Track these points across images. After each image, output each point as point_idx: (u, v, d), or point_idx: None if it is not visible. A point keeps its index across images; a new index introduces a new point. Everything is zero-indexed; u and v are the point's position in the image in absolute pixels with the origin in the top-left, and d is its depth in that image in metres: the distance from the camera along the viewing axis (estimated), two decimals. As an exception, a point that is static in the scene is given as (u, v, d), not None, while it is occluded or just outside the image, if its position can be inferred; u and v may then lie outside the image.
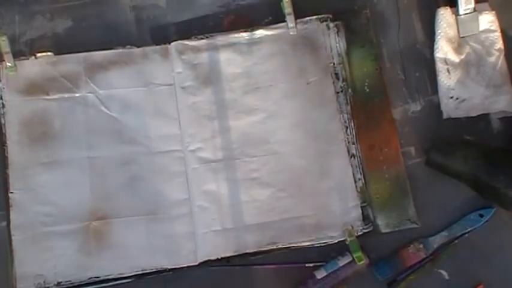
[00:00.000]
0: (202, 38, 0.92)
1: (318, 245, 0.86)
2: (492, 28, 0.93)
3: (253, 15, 0.95)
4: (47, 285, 0.84)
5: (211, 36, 0.92)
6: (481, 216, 0.88)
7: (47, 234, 0.85)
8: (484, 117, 0.92)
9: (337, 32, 0.93)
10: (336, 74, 0.92)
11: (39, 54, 0.90)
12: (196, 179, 0.88)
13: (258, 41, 0.93)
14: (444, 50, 0.92)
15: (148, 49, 0.92)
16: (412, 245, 0.87)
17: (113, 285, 0.85)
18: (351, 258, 0.84)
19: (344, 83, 0.92)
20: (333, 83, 0.92)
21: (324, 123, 0.91)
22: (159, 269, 0.85)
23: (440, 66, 0.92)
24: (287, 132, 0.90)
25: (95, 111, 0.90)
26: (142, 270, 0.85)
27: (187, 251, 0.86)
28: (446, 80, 0.91)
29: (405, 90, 0.93)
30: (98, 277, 0.85)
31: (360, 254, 0.84)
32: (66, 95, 0.90)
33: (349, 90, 0.92)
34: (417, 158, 0.91)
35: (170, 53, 0.92)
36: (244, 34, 0.93)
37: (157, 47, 0.92)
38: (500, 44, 0.92)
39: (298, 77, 0.92)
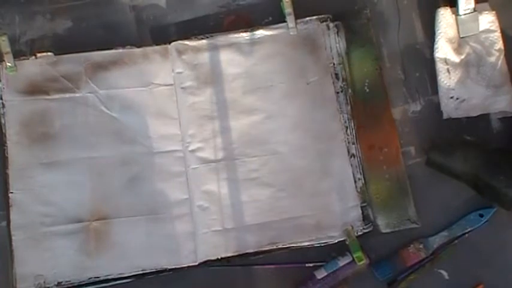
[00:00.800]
0: (202, 38, 0.92)
1: (318, 245, 0.86)
2: (492, 28, 0.93)
3: (253, 15, 0.95)
4: (47, 285, 0.84)
5: (212, 36, 0.93)
6: (481, 216, 0.88)
7: (47, 234, 0.85)
8: (484, 117, 0.92)
9: (337, 32, 0.93)
10: (336, 74, 0.92)
11: (39, 55, 0.90)
12: (196, 179, 0.88)
13: (258, 41, 0.93)
14: (444, 50, 0.92)
15: (149, 49, 0.92)
16: (412, 245, 0.87)
17: (113, 285, 0.85)
18: (351, 258, 0.84)
19: (344, 83, 0.92)
20: (333, 83, 0.92)
21: (324, 123, 0.91)
22: (159, 269, 0.85)
23: (440, 66, 0.92)
24: (287, 132, 0.90)
25: (95, 111, 0.90)
26: (142, 270, 0.85)
27: (187, 251, 0.86)
28: (447, 80, 0.91)
29: (405, 90, 0.93)
30: (98, 277, 0.85)
31: (360, 254, 0.84)
32: (67, 95, 0.90)
33: (349, 90, 0.92)
34: (417, 158, 0.91)
35: (170, 53, 0.92)
36: (244, 34, 0.93)
37: (158, 47, 0.92)
38: (500, 44, 0.92)
39: (298, 77, 0.92)
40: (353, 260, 0.84)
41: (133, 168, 0.88)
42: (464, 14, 0.91)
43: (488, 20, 0.92)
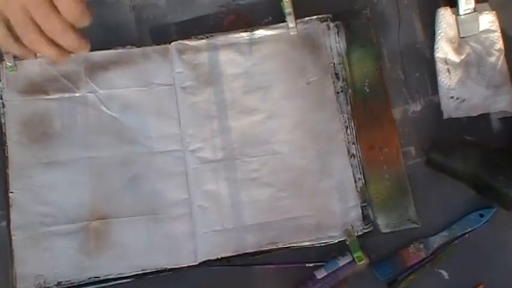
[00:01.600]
0: (202, 38, 0.92)
1: (318, 245, 0.86)
2: (492, 28, 0.93)
3: (253, 15, 0.95)
4: (47, 285, 0.84)
5: (212, 36, 0.92)
6: (481, 216, 0.88)
7: (47, 234, 0.85)
8: (484, 117, 0.92)
9: (337, 32, 0.93)
10: (336, 74, 0.92)
11: (39, 54, 0.90)
12: (196, 179, 0.88)
13: (258, 41, 0.93)
14: (444, 50, 0.92)
15: (149, 49, 0.92)
16: (412, 245, 0.87)
17: (113, 285, 0.85)
18: (351, 258, 0.84)
19: (344, 83, 0.92)
20: (333, 83, 0.92)
21: (324, 123, 0.91)
22: (159, 269, 0.85)
23: (440, 66, 0.92)
24: (287, 132, 0.90)
25: (95, 111, 0.90)
26: (142, 270, 0.85)
27: (187, 251, 0.86)
28: (447, 80, 0.91)
29: (405, 90, 0.93)
30: (97, 277, 0.84)
31: (360, 254, 0.84)
32: (66, 95, 0.90)
33: (349, 90, 0.92)
34: (417, 158, 0.91)
35: (170, 53, 0.92)
36: (244, 34, 0.93)
37: (158, 47, 0.92)
38: (500, 44, 0.92)
39: (298, 77, 0.92)
40: (353, 260, 0.84)
41: (133, 168, 0.88)
42: (465, 14, 0.91)
43: (488, 20, 0.92)
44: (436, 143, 0.89)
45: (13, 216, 0.86)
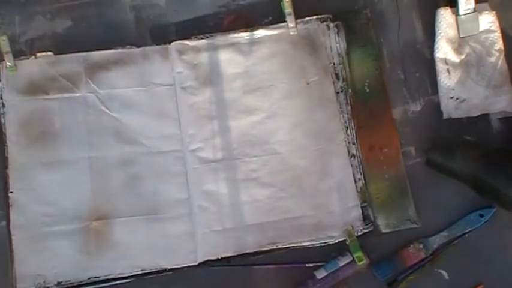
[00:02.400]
0: (202, 38, 0.92)
1: (318, 245, 0.86)
2: (492, 28, 0.93)
3: (253, 15, 0.95)
4: (47, 285, 0.84)
5: (212, 36, 0.92)
6: (481, 216, 0.88)
7: (47, 234, 0.85)
8: (484, 118, 0.92)
9: (337, 32, 0.93)
10: (336, 74, 0.92)
11: (39, 54, 0.90)
12: (196, 179, 0.88)
13: (258, 41, 0.93)
14: (444, 50, 0.92)
15: (149, 49, 0.92)
16: (412, 245, 0.87)
17: (113, 285, 0.85)
18: (351, 258, 0.84)
19: (344, 83, 0.92)
20: (333, 83, 0.92)
21: (324, 123, 0.91)
22: (159, 269, 0.85)
23: (440, 67, 0.92)
24: (287, 132, 0.90)
25: (95, 111, 0.90)
26: (142, 270, 0.85)
27: (187, 251, 0.86)
28: (447, 80, 0.91)
29: (405, 90, 0.93)
30: (98, 277, 0.85)
31: (360, 254, 0.84)
32: (66, 95, 0.90)
33: (349, 90, 0.92)
34: (417, 158, 0.91)
35: (170, 53, 0.92)
36: (244, 34, 0.93)
37: (158, 47, 0.92)
38: (500, 45, 0.92)
39: (298, 77, 0.92)
40: (353, 260, 0.84)
41: (133, 168, 0.88)
42: (464, 14, 0.91)
43: (488, 20, 0.92)
44: (436, 143, 0.89)
45: (13, 216, 0.86)
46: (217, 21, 0.95)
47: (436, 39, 0.92)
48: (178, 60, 0.91)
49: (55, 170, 0.87)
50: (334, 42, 0.93)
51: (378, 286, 0.86)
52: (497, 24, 0.93)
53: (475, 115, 0.91)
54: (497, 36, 0.92)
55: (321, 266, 0.85)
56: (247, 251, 0.86)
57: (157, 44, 0.93)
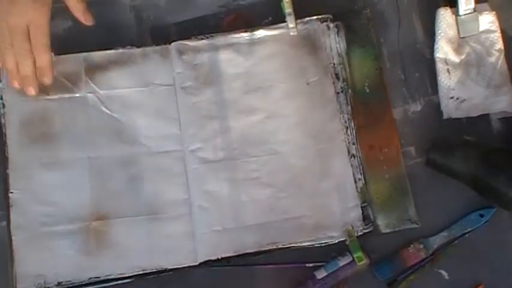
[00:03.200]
0: (202, 38, 0.92)
1: (318, 245, 0.86)
2: (492, 28, 0.93)
3: (253, 15, 0.95)
4: (47, 286, 0.84)
5: (212, 36, 0.93)
6: (481, 216, 0.88)
7: (47, 234, 0.85)
8: (484, 118, 0.92)
9: (338, 32, 0.93)
10: (336, 74, 0.92)
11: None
12: (196, 179, 0.88)
13: (258, 41, 0.93)
14: (444, 50, 0.92)
15: (149, 49, 0.92)
16: (412, 245, 0.87)
17: (113, 285, 0.85)
18: (351, 258, 0.84)
19: (344, 83, 0.92)
20: (333, 83, 0.92)
21: (324, 124, 0.91)
22: (159, 269, 0.85)
23: (440, 67, 0.92)
24: (287, 133, 0.90)
25: (95, 111, 0.90)
26: (142, 270, 0.85)
27: (187, 251, 0.86)
28: (447, 80, 0.91)
29: (405, 90, 0.93)
30: (98, 277, 0.84)
31: (360, 254, 0.84)
32: (67, 95, 0.90)
33: (349, 90, 0.92)
34: (417, 158, 0.91)
35: (170, 53, 0.92)
36: (244, 34, 0.93)
37: (158, 47, 0.92)
38: (500, 45, 0.92)
39: (298, 77, 0.92)
40: (353, 260, 0.84)
41: (133, 168, 0.88)
42: (464, 14, 0.91)
43: (488, 20, 0.93)
44: (436, 143, 0.89)
45: (13, 216, 0.86)
46: (217, 21, 0.95)
47: (436, 39, 0.92)
48: (178, 61, 0.91)
49: (55, 170, 0.87)
50: (334, 42, 0.93)
51: (378, 286, 0.86)
52: (497, 24, 0.93)
53: (475, 115, 0.91)
54: (497, 36, 0.92)
55: (321, 266, 0.85)
56: (247, 251, 0.86)
57: (157, 44, 0.93)
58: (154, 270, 0.85)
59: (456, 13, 0.91)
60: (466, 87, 0.91)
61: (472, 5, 0.91)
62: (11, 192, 0.86)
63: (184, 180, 0.88)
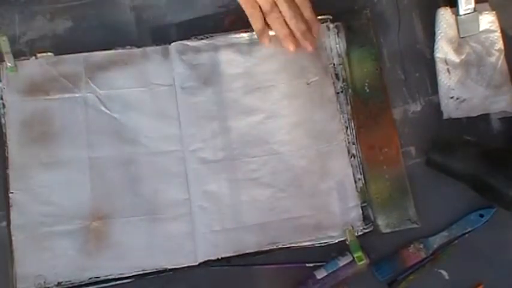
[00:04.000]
0: (202, 39, 0.92)
1: (318, 245, 0.86)
2: (492, 28, 0.93)
3: (253, 16, 0.95)
4: (47, 286, 0.84)
5: (212, 36, 0.93)
6: (481, 216, 0.88)
7: (47, 235, 0.85)
8: (484, 118, 0.92)
9: (337, 33, 0.93)
10: (336, 75, 0.92)
11: (39, 55, 0.91)
12: (196, 179, 0.88)
13: (258, 41, 0.93)
14: (444, 50, 0.92)
15: (149, 49, 0.92)
16: (412, 245, 0.87)
17: (113, 285, 0.85)
18: (351, 258, 0.84)
19: (344, 84, 0.92)
20: (333, 83, 0.92)
21: (324, 124, 0.91)
22: (159, 269, 0.85)
23: (440, 67, 0.92)
24: (287, 133, 0.90)
25: (95, 112, 0.90)
26: (142, 270, 0.85)
27: (187, 251, 0.86)
28: (447, 80, 0.91)
29: (405, 90, 0.93)
30: (98, 277, 0.84)
31: (360, 254, 0.84)
32: (67, 95, 0.90)
33: (350, 90, 0.92)
34: (417, 158, 0.91)
35: (170, 54, 0.92)
36: (244, 34, 0.93)
37: (158, 47, 0.92)
38: (500, 44, 0.92)
39: (298, 77, 0.92)
40: (353, 260, 0.84)
41: (133, 169, 0.88)
42: (464, 14, 0.91)
43: (488, 20, 0.93)
44: (436, 143, 0.89)
45: (13, 216, 0.86)
46: (217, 21, 0.95)
47: (436, 39, 0.92)
48: (178, 61, 0.91)
49: (55, 170, 0.87)
50: (334, 42, 0.93)
51: (378, 286, 0.86)
52: (497, 24, 0.93)
53: (475, 115, 0.91)
54: (497, 36, 0.92)
55: (321, 266, 0.85)
56: (248, 251, 0.86)
57: (157, 45, 0.93)
58: (154, 270, 0.85)
59: (456, 13, 0.91)
60: (466, 87, 0.91)
61: (472, 5, 0.91)
62: (11, 192, 0.86)
63: (184, 180, 0.88)
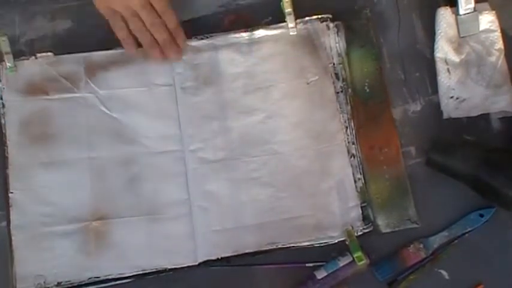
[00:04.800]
0: (202, 38, 0.92)
1: (318, 245, 0.86)
2: (492, 28, 0.93)
3: (253, 15, 0.95)
4: (47, 286, 0.84)
5: (212, 36, 0.93)
6: (481, 216, 0.87)
7: (47, 235, 0.85)
8: (484, 117, 0.92)
9: (337, 32, 0.93)
10: (336, 74, 0.92)
11: (39, 55, 0.91)
12: (196, 179, 0.88)
13: (258, 41, 0.93)
14: (444, 50, 0.92)
15: (149, 49, 0.92)
16: (412, 245, 0.87)
17: (113, 285, 0.85)
18: (351, 258, 0.84)
19: (344, 83, 0.92)
20: (333, 83, 0.92)
21: (324, 123, 0.91)
22: (159, 269, 0.85)
23: (440, 66, 0.92)
24: (287, 133, 0.90)
25: (95, 112, 0.90)
26: (142, 270, 0.85)
27: (187, 251, 0.86)
28: (447, 80, 0.91)
29: (405, 90, 0.93)
30: (98, 277, 0.84)
31: (360, 254, 0.84)
32: (66, 95, 0.90)
33: (349, 90, 0.92)
34: (417, 158, 0.91)
35: (170, 53, 0.92)
36: (244, 34, 0.93)
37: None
38: (500, 44, 0.92)
39: (298, 77, 0.92)
40: (353, 260, 0.84)
41: (133, 168, 0.88)
42: (464, 14, 0.91)
43: (488, 20, 0.92)
44: (436, 143, 0.89)
45: (13, 216, 0.86)
46: (217, 21, 0.95)
47: (436, 39, 0.92)
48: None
49: (55, 170, 0.88)
50: (334, 42, 0.93)
51: (378, 286, 0.86)
52: (497, 24, 0.93)
53: (475, 115, 0.91)
54: (497, 36, 0.92)
55: (321, 266, 0.85)
56: (247, 251, 0.86)
57: (157, 44, 0.93)
58: (154, 270, 0.85)
59: (456, 13, 0.91)
60: (466, 86, 0.91)
61: (472, 5, 0.91)
62: (11, 192, 0.86)
63: (184, 180, 0.88)
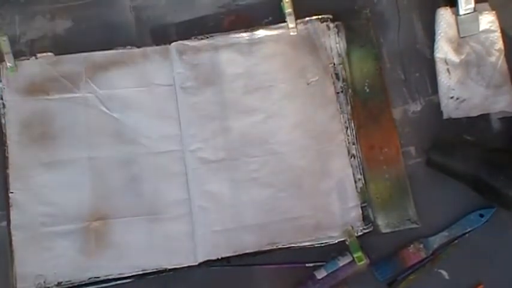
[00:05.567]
0: (202, 38, 0.92)
1: (318, 245, 0.86)
2: (492, 28, 0.93)
3: (253, 15, 0.95)
4: (47, 286, 0.84)
5: (212, 36, 0.93)
6: (481, 216, 0.88)
7: (47, 235, 0.85)
8: (484, 118, 0.92)
9: (338, 33, 0.93)
10: (336, 74, 0.92)
11: (39, 55, 0.91)
12: (197, 179, 0.88)
13: (258, 41, 0.93)
14: (444, 50, 0.92)
15: (149, 49, 0.92)
16: (412, 245, 0.87)
17: (113, 285, 0.85)
18: (351, 258, 0.84)
19: (344, 83, 0.92)
20: (333, 83, 0.92)
21: (324, 124, 0.91)
22: (159, 269, 0.85)
23: (440, 66, 0.92)
24: (287, 133, 0.90)
25: (95, 112, 0.90)
26: (142, 270, 0.85)
27: (187, 251, 0.86)
28: (447, 80, 0.91)
29: (405, 90, 0.93)
30: (98, 277, 0.85)
31: (360, 254, 0.84)
32: (67, 95, 0.90)
33: (350, 90, 0.92)
34: (417, 158, 0.91)
35: (170, 54, 0.92)
36: (244, 34, 0.93)
37: (158, 47, 0.92)
38: (500, 44, 0.92)
39: (298, 77, 0.92)
40: (353, 260, 0.84)
41: (133, 168, 0.88)
42: (464, 14, 0.91)
43: (488, 20, 0.92)
44: (436, 143, 0.89)
45: (13, 216, 0.86)
46: (217, 21, 0.95)
47: (436, 39, 0.92)
48: (178, 61, 0.91)
49: (55, 170, 0.88)
50: (334, 42, 0.93)
51: (378, 286, 0.86)
52: (497, 24, 0.93)
53: (475, 115, 0.91)
54: (497, 36, 0.92)
55: (321, 266, 0.85)
56: (247, 251, 0.86)
57: (157, 45, 0.93)
58: (154, 270, 0.85)
59: (456, 13, 0.91)
60: (466, 87, 0.91)
61: (472, 5, 0.91)
62: (11, 192, 0.86)
63: (184, 180, 0.88)
